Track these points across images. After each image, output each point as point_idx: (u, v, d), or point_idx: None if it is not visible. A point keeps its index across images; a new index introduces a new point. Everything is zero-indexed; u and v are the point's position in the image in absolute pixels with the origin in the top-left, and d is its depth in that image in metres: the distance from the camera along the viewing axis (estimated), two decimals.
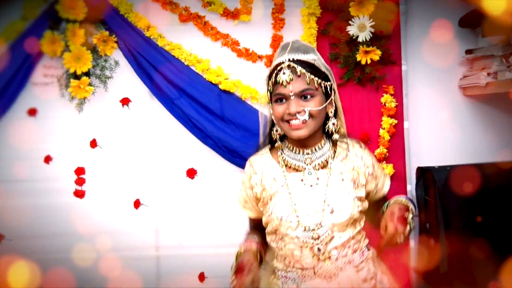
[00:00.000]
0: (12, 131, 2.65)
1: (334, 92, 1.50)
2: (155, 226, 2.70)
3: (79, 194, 2.66)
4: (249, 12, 2.64)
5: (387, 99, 2.58)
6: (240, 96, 2.64)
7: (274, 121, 1.51)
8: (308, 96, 1.43)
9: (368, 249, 1.57)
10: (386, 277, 1.58)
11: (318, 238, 1.45)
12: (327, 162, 1.52)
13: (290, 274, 1.52)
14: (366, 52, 2.53)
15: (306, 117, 1.42)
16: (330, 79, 1.48)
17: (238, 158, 2.61)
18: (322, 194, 1.48)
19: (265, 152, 1.59)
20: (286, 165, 1.53)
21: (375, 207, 1.59)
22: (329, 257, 1.47)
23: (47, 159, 2.66)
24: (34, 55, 2.61)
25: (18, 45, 2.59)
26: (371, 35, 2.51)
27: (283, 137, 1.55)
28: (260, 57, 2.65)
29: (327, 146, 1.54)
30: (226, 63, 2.65)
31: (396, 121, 2.59)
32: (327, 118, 1.51)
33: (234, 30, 2.65)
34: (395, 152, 2.61)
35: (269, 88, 1.47)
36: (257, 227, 1.62)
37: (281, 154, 1.54)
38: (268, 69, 1.55)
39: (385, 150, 2.58)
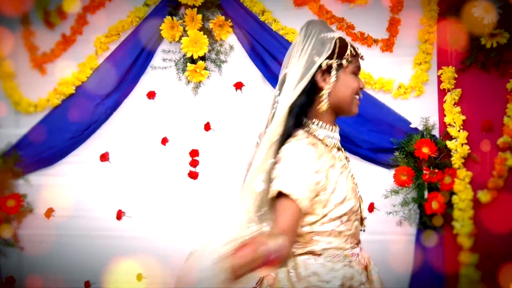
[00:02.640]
0: (133, 113, 2.87)
1: None
2: None
3: (193, 175, 2.83)
4: None
5: None
6: None
7: (344, 94, 1.46)
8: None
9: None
10: None
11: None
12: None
13: (354, 250, 1.49)
14: (492, 35, 2.47)
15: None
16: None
17: (350, 144, 2.67)
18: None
19: (305, 136, 1.46)
20: (325, 142, 1.47)
21: None
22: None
23: (164, 141, 2.85)
24: (154, 40, 2.79)
25: (141, 30, 2.80)
26: (499, 17, 2.44)
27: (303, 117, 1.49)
28: (376, 41, 2.68)
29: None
30: None
31: None
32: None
33: (350, 14, 2.70)
34: None
35: (346, 58, 1.45)
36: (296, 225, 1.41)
37: (319, 134, 1.47)
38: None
39: (509, 139, 2.51)
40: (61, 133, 2.88)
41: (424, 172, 2.58)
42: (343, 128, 2.59)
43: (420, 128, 2.64)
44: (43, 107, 2.92)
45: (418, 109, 2.66)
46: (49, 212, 2.94)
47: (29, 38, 2.93)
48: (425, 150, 2.57)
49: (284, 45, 2.70)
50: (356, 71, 1.49)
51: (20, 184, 2.97)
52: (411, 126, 2.64)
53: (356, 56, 1.48)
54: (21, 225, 2.97)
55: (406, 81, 2.65)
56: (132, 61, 2.80)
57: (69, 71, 2.88)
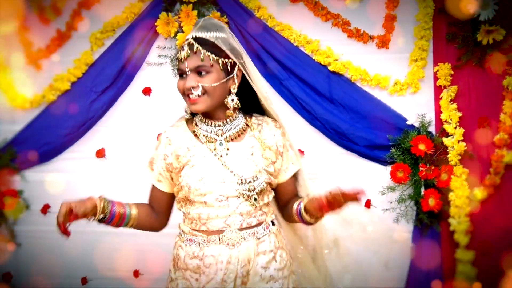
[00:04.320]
0: (129, 109, 2.97)
1: (243, 70, 1.68)
2: None
3: None
4: None
5: (511, 82, 2.57)
6: (349, 77, 2.75)
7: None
8: (203, 73, 1.61)
9: (273, 224, 1.80)
10: (284, 251, 1.80)
11: (254, 189, 1.68)
12: (239, 135, 1.73)
13: (195, 238, 1.72)
14: (488, 32, 2.53)
15: (199, 92, 1.61)
16: (230, 57, 1.64)
17: (346, 141, 2.75)
18: (231, 165, 1.68)
19: (181, 123, 1.78)
20: (199, 136, 1.73)
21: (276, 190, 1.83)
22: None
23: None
24: (149, 36, 2.88)
25: (136, 26, 2.88)
26: (495, 13, 2.50)
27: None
28: (372, 37, 2.74)
29: (239, 120, 1.74)
30: (336, 44, 2.77)
31: None
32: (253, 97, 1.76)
33: (345, 10, 2.76)
34: None
35: (176, 64, 1.67)
36: (156, 203, 1.86)
37: (195, 125, 1.75)
38: None
39: (506, 136, 2.58)
40: (57, 129, 2.97)
41: (421, 169, 2.65)
42: (339, 125, 2.73)
43: (417, 125, 2.71)
44: (39, 103, 3.01)
45: (415, 105, 2.73)
46: (46, 208, 3.04)
47: (24, 34, 3.01)
48: (422, 147, 2.64)
49: (279, 41, 2.78)
50: (179, 73, 1.67)
51: (16, 180, 3.06)
52: (408, 123, 2.72)
53: (178, 60, 1.66)
54: (18, 221, 3.07)
55: (402, 77, 2.73)
56: (128, 57, 2.88)
57: (64, 67, 2.96)
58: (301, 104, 2.78)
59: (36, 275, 2.98)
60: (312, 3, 2.76)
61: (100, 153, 2.99)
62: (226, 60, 1.63)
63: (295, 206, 1.76)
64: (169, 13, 2.82)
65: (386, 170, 2.74)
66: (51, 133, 2.98)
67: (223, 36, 1.65)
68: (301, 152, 2.83)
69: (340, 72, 2.75)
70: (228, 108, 1.69)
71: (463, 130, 2.64)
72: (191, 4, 2.80)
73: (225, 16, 2.83)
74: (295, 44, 2.78)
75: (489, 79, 2.62)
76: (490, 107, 2.64)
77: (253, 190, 1.67)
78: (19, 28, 3.01)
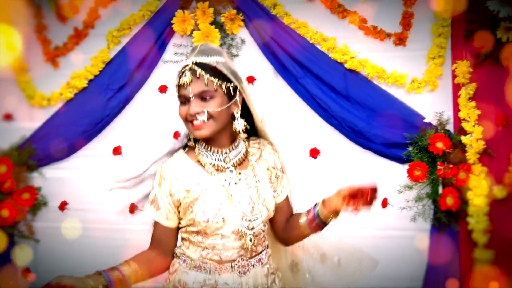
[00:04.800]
0: (145, 107, 3.01)
1: (243, 93, 1.64)
2: None
3: None
4: None
5: None
6: (366, 75, 2.76)
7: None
8: (208, 98, 1.57)
9: (268, 247, 1.80)
10: (280, 272, 1.83)
11: (253, 228, 1.65)
12: (243, 160, 1.70)
13: (205, 265, 1.67)
14: (508, 29, 2.52)
15: (204, 118, 1.56)
16: (232, 80, 1.60)
17: (363, 139, 2.75)
18: (246, 191, 1.66)
19: (181, 155, 1.72)
20: (205, 166, 1.66)
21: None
22: (255, 248, 1.68)
23: (176, 135, 2.97)
24: (166, 33, 2.91)
25: (152, 24, 2.92)
26: None
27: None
28: (389, 35, 2.75)
29: (241, 144, 1.72)
30: (352, 42, 2.78)
31: None
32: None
33: (362, 7, 2.77)
34: None
35: (176, 90, 1.65)
36: (163, 242, 1.73)
37: (199, 154, 1.68)
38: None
39: None
40: (74, 127, 3.03)
41: (438, 167, 2.65)
42: (355, 123, 2.73)
43: (434, 123, 2.71)
44: (56, 100, 3.07)
45: (432, 103, 2.73)
46: (63, 205, 3.10)
47: (42, 31, 3.07)
48: (439, 145, 2.64)
49: (296, 38, 2.79)
50: (181, 100, 1.62)
51: (34, 177, 3.13)
52: (425, 121, 2.71)
53: (179, 86, 1.61)
54: (36, 217, 3.14)
55: (420, 75, 2.73)
56: (144, 55, 2.92)
57: (81, 65, 3.02)
58: (317, 102, 2.79)
59: (54, 271, 3.03)
60: (328, 0, 2.77)
61: (117, 151, 3.04)
62: (229, 84, 1.61)
63: (303, 219, 1.72)
64: (185, 11, 2.86)
65: (403, 168, 2.74)
66: (68, 130, 3.04)
67: (223, 60, 1.62)
68: (317, 150, 2.85)
69: (357, 70, 2.75)
70: (236, 133, 1.65)
71: (482, 128, 2.63)
72: (207, 2, 2.83)
73: (241, 14, 2.85)
74: (311, 42, 2.79)
75: (509, 76, 2.60)
76: (509, 105, 2.62)
77: (252, 229, 1.66)
78: (37, 26, 3.07)
